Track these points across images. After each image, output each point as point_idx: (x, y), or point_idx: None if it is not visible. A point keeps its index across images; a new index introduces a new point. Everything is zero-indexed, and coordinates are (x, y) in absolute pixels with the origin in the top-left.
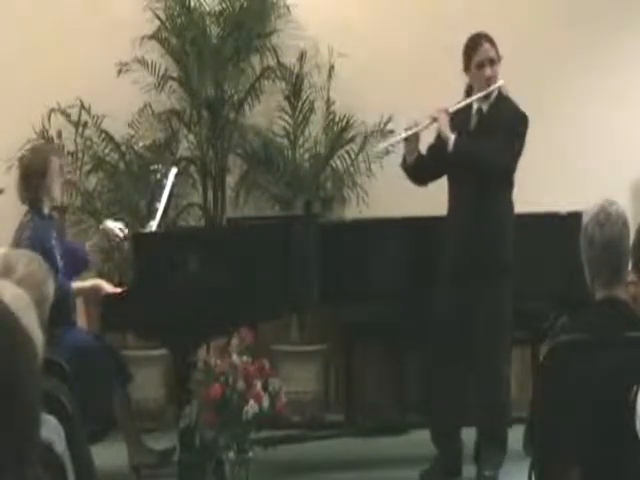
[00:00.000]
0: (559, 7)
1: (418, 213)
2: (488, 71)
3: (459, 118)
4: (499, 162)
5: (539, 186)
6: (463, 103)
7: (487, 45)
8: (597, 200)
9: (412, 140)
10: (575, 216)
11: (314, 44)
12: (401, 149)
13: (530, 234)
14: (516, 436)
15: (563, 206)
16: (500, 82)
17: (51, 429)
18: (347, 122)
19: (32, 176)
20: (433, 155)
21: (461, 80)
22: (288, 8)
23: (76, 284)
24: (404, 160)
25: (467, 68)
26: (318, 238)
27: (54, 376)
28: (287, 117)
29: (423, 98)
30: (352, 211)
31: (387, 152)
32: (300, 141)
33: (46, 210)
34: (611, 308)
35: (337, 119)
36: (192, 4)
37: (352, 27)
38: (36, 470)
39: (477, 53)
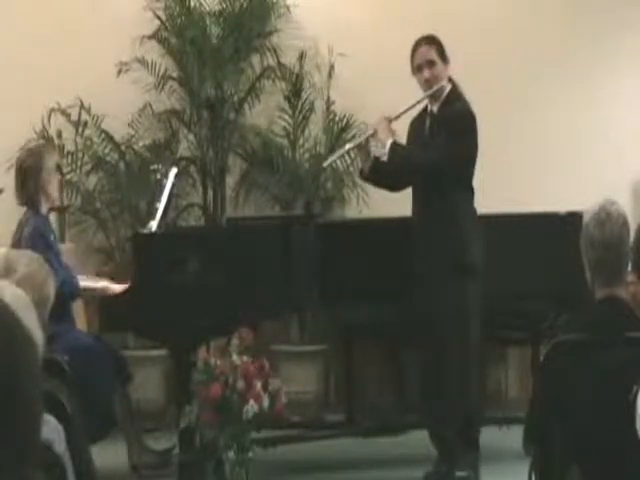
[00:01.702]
0: (557, 6)
1: None
2: (426, 73)
3: (418, 123)
4: (430, 162)
5: (538, 186)
6: (403, 109)
7: (424, 47)
8: (597, 200)
9: (362, 150)
10: (575, 216)
11: (314, 44)
12: None
13: (530, 234)
14: (516, 436)
15: (563, 206)
16: (441, 83)
17: (51, 429)
18: (347, 122)
19: (27, 175)
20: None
21: (460, 80)
22: (288, 8)
23: (85, 283)
24: (361, 170)
25: (413, 73)
26: (318, 238)
27: (54, 376)
28: (287, 117)
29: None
30: (352, 211)
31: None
32: (300, 141)
33: (44, 210)
34: (611, 308)
35: (337, 119)
36: (192, 4)
37: (352, 27)
38: (37, 471)
39: (415, 57)
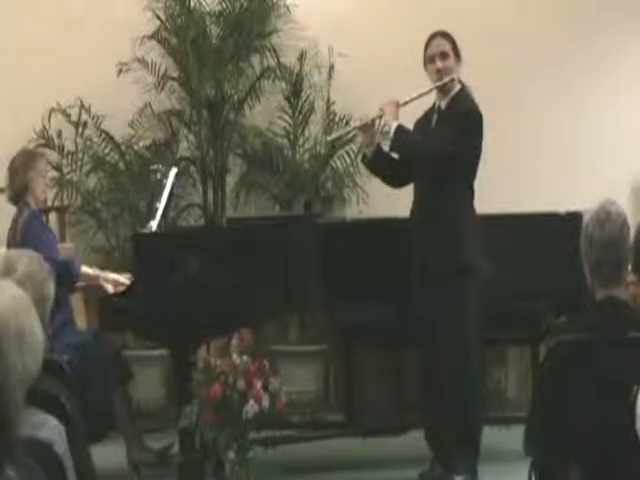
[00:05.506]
0: (558, 6)
1: None
2: (439, 64)
3: (424, 120)
4: (437, 148)
5: (538, 186)
6: (414, 95)
7: (439, 39)
8: (597, 200)
9: (366, 132)
10: (575, 216)
11: (314, 44)
12: None
13: (530, 234)
14: (516, 436)
15: (563, 206)
16: (452, 75)
17: (51, 429)
18: (347, 122)
19: (15, 172)
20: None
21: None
22: (288, 8)
23: (83, 268)
24: (364, 155)
25: (424, 65)
26: (318, 238)
27: (54, 376)
28: (287, 117)
29: (423, 98)
30: (352, 211)
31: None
32: (300, 141)
33: (34, 207)
34: (611, 308)
35: (337, 119)
36: (192, 4)
37: (352, 27)
38: (20, 469)
39: (428, 48)
